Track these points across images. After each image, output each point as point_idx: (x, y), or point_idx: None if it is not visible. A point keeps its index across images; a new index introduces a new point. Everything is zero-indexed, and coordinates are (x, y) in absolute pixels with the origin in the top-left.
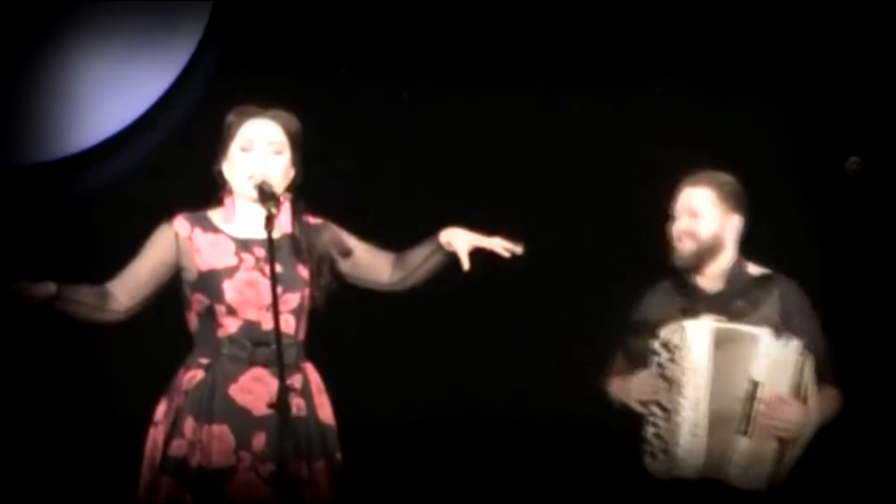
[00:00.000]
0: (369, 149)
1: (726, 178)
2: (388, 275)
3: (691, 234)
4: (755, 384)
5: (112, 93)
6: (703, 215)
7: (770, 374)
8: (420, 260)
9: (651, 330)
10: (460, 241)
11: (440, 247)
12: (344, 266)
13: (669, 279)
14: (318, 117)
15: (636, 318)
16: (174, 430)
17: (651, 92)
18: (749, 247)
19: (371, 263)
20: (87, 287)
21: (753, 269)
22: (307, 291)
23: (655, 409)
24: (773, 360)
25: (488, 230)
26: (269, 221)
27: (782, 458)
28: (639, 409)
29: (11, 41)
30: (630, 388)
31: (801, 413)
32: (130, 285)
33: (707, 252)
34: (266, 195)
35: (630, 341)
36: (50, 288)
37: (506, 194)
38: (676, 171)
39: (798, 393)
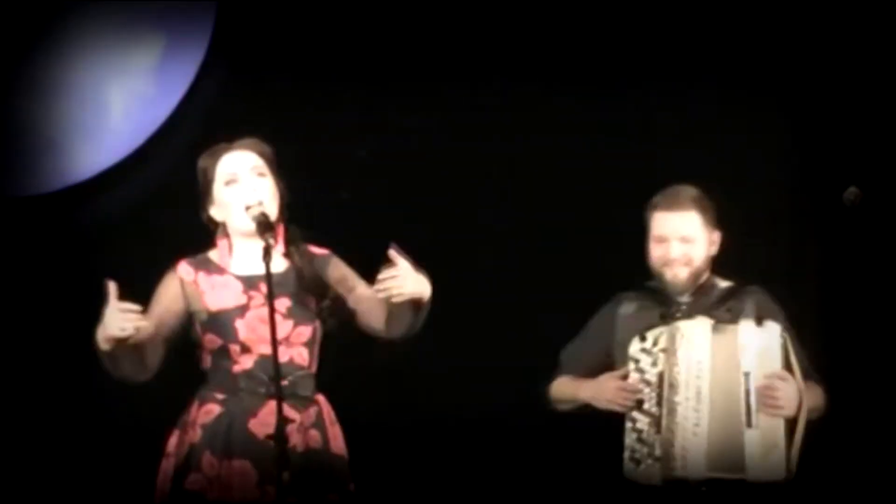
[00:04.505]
0: (371, 166)
1: (699, 194)
2: (385, 321)
3: (687, 261)
4: (746, 375)
5: (114, 121)
6: (695, 240)
7: (759, 362)
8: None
9: (625, 337)
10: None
11: None
12: (350, 302)
13: (634, 290)
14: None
15: (601, 325)
16: (189, 464)
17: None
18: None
19: (371, 308)
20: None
21: (721, 282)
22: (318, 324)
23: (636, 415)
24: (759, 348)
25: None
26: (268, 253)
27: (792, 441)
28: (607, 407)
29: (13, 70)
30: (601, 392)
31: (795, 387)
32: (154, 346)
33: (699, 275)
34: (264, 227)
35: (590, 348)
36: (131, 325)
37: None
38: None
39: (787, 372)
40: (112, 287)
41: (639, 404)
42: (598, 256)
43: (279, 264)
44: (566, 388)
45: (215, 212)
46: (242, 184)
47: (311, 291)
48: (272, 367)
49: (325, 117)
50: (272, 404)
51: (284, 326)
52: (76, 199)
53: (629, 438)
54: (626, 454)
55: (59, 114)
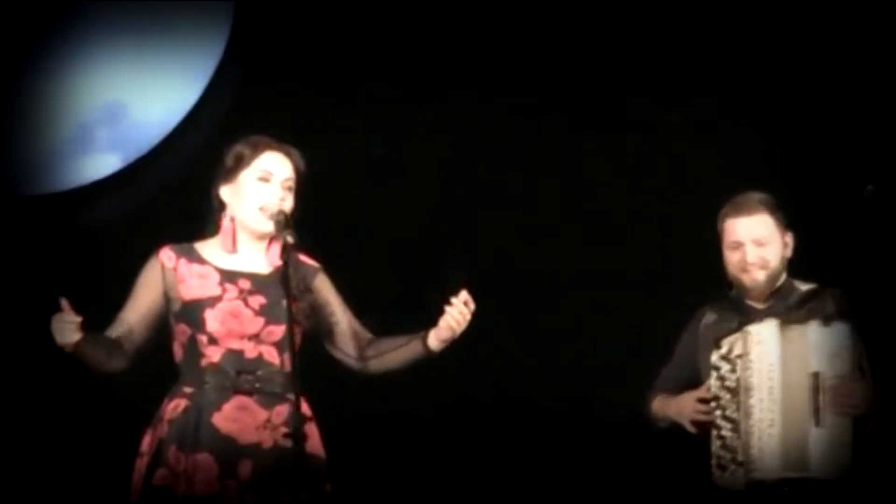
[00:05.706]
0: (382, 175)
1: (767, 198)
2: (360, 349)
3: (763, 264)
4: (816, 375)
5: (129, 120)
6: (770, 243)
7: (829, 362)
8: (395, 344)
9: (708, 349)
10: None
11: (423, 340)
12: (325, 317)
13: (717, 302)
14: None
15: (688, 340)
16: (158, 459)
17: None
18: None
19: (346, 331)
20: (100, 340)
21: (801, 285)
22: (294, 326)
23: (721, 423)
24: (830, 348)
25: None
26: (285, 250)
27: (860, 440)
28: (691, 429)
29: (22, 69)
30: (682, 410)
31: (865, 389)
32: (131, 333)
33: (777, 277)
34: (282, 225)
35: (679, 365)
36: (72, 337)
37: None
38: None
39: (858, 372)
40: (64, 302)
41: (722, 411)
42: (604, 258)
43: (266, 265)
44: (660, 406)
45: (226, 193)
46: (271, 187)
47: (290, 295)
48: (241, 362)
49: (339, 118)
50: (238, 399)
51: (255, 323)
52: (87, 199)
53: (714, 445)
54: (714, 461)
55: (72, 114)
